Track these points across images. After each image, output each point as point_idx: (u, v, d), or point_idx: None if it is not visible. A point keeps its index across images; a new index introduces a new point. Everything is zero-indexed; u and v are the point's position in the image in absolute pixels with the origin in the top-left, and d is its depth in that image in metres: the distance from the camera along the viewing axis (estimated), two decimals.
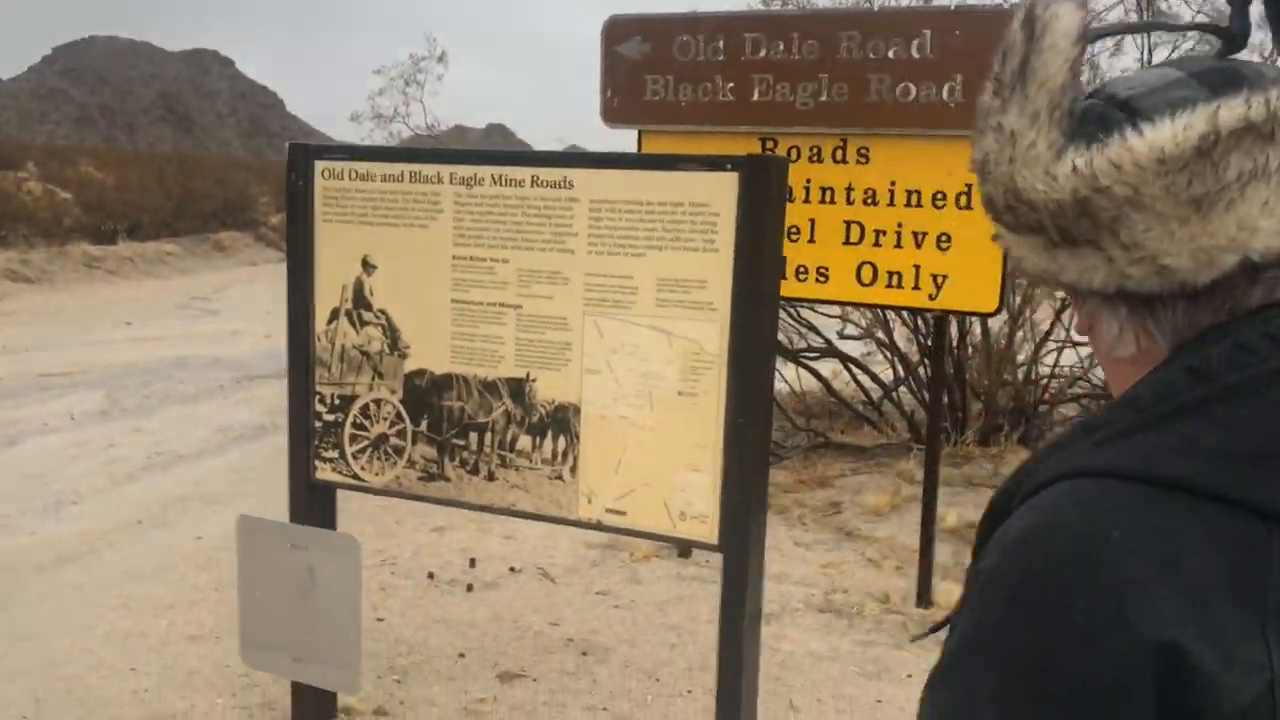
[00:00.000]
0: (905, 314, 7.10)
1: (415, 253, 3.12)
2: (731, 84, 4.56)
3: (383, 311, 3.18)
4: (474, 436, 3.11)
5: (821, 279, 4.53)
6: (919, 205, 4.32)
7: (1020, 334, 7.50)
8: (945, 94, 4.18)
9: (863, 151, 4.41)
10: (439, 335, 3.12)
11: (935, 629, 0.82)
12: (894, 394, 7.87)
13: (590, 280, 2.92)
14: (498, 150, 3.28)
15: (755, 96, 4.53)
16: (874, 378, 7.82)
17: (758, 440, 2.85)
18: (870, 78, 4.31)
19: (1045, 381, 7.79)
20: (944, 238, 4.29)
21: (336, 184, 3.20)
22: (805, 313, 7.73)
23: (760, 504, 2.90)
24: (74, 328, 12.76)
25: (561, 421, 3.00)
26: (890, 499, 6.00)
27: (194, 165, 27.55)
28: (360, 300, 3.20)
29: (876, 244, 4.41)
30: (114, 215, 21.07)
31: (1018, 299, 7.39)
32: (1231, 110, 0.77)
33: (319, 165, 3.22)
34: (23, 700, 3.59)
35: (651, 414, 2.89)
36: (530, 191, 2.96)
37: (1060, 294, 7.42)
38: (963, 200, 4.25)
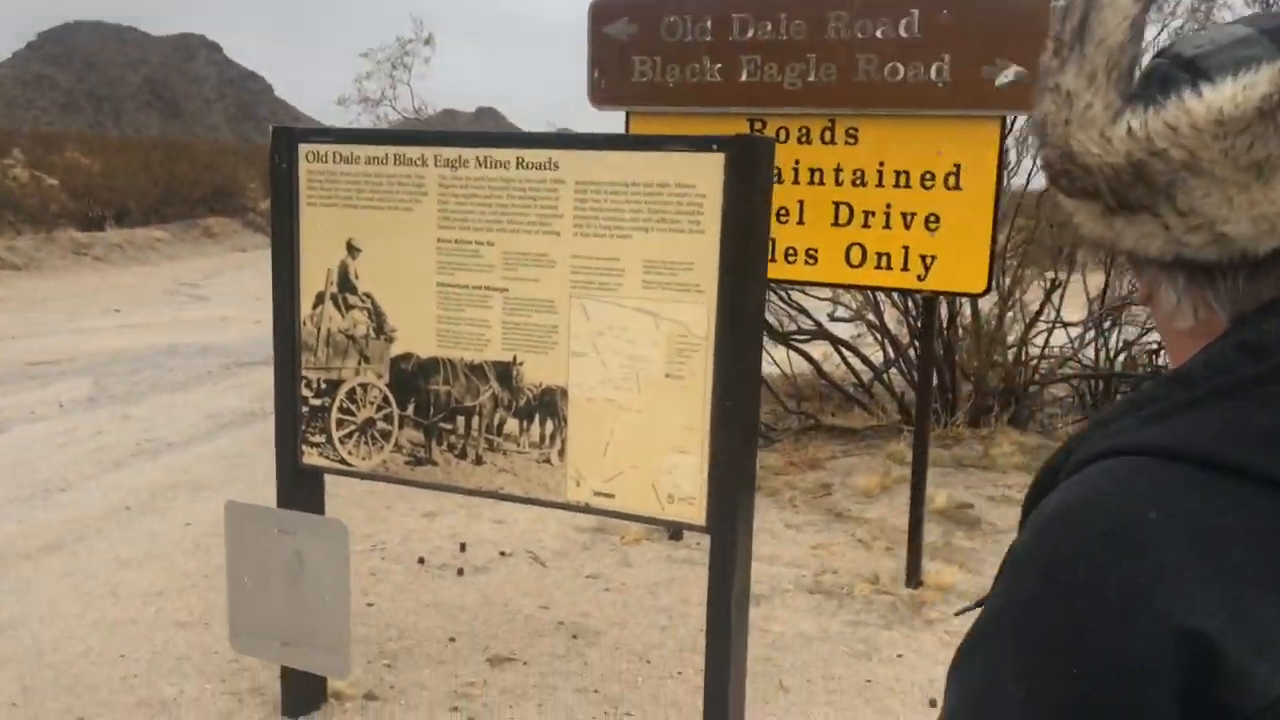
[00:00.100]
0: (895, 296, 7.10)
1: (400, 236, 3.10)
2: (719, 65, 4.53)
3: (368, 295, 3.16)
4: (461, 420, 3.10)
5: (811, 261, 4.52)
6: (907, 186, 4.31)
7: (1010, 315, 7.51)
8: (933, 74, 4.16)
9: (851, 132, 4.39)
10: (425, 319, 3.11)
11: (979, 604, 0.81)
12: (884, 376, 7.87)
13: (576, 262, 2.91)
14: (482, 132, 3.26)
15: (743, 77, 4.50)
16: (864, 360, 7.83)
17: (745, 422, 2.85)
18: (858, 58, 4.29)
19: (1035, 362, 7.81)
20: (933, 218, 4.27)
21: (320, 167, 3.18)
22: (796, 295, 7.73)
23: (748, 485, 2.90)
24: (62, 315, 12.70)
25: (549, 404, 2.99)
26: (880, 480, 6.01)
27: (182, 151, 27.40)
28: (345, 284, 3.18)
29: (865, 225, 4.40)
30: (101, 202, 20.97)
31: (1008, 280, 7.39)
32: None
33: (303, 148, 3.20)
34: (11, 688, 3.58)
35: (639, 396, 2.88)
36: (515, 173, 2.94)
37: (1049, 275, 7.43)
38: (951, 181, 4.23)
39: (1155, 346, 7.76)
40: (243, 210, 25.13)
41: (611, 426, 2.92)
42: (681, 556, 4.96)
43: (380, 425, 3.21)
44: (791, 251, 4.54)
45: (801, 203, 4.49)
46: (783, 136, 4.49)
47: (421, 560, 4.83)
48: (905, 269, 4.37)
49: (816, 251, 4.50)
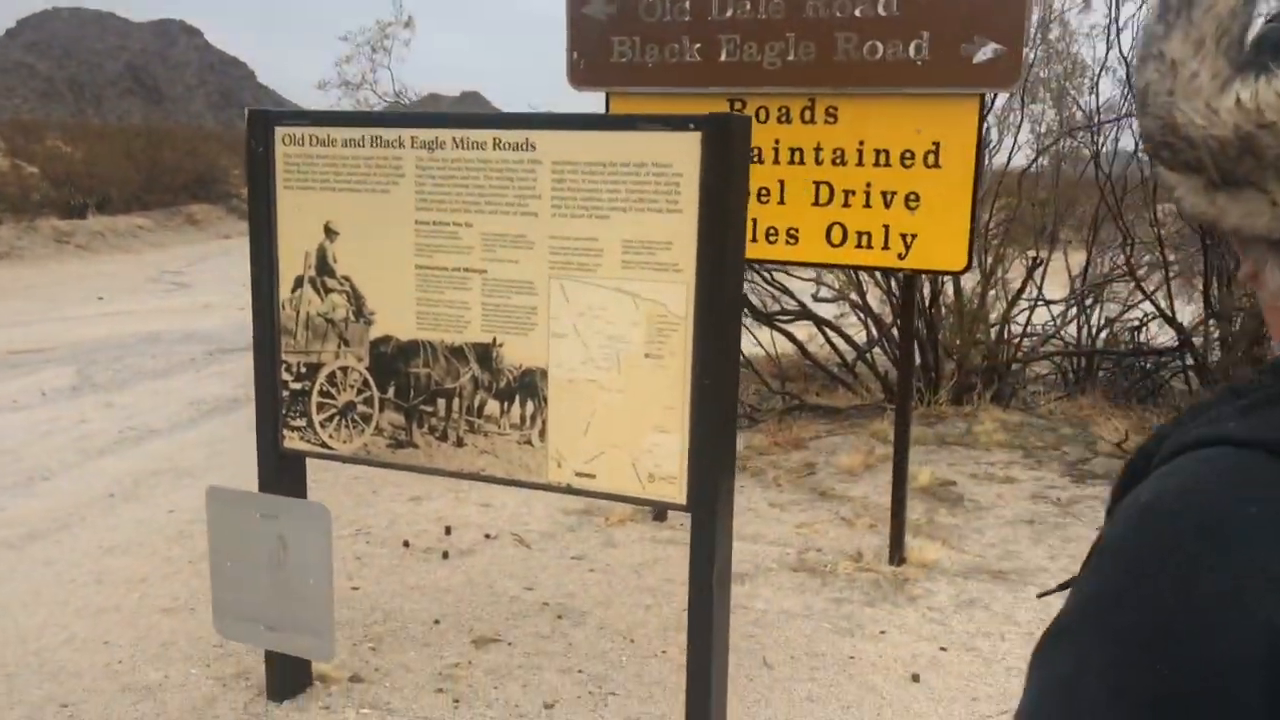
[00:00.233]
0: (878, 275, 7.12)
1: (378, 218, 3.10)
2: (699, 45, 4.52)
3: (346, 278, 3.16)
4: (442, 403, 3.10)
5: (792, 240, 4.52)
6: (887, 165, 4.31)
7: (992, 293, 7.53)
8: (912, 51, 4.16)
9: (831, 111, 4.38)
10: (404, 301, 3.10)
11: (1062, 587, 0.79)
12: (868, 355, 7.90)
13: (555, 243, 2.91)
14: (458, 113, 3.25)
15: (723, 57, 4.49)
16: (848, 340, 7.85)
17: (725, 400, 2.85)
18: (837, 36, 4.28)
19: (1017, 340, 7.84)
20: (912, 197, 4.28)
21: (297, 150, 3.16)
22: (779, 276, 7.74)
23: (728, 464, 2.91)
24: (44, 303, 12.63)
25: (529, 386, 2.99)
26: (864, 459, 6.03)
27: (163, 138, 27.16)
28: (324, 267, 3.18)
29: (846, 204, 4.40)
30: (83, 189, 20.81)
31: (990, 258, 7.42)
32: None
33: (279, 131, 3.19)
34: None
35: (619, 376, 2.89)
36: (492, 154, 2.94)
37: (1031, 253, 7.46)
38: (930, 159, 4.24)
39: (1136, 324, 7.80)
40: (226, 197, 24.99)
41: (592, 407, 2.93)
42: (666, 537, 4.98)
43: (361, 408, 3.21)
44: (772, 231, 4.54)
45: (782, 182, 4.49)
46: (763, 116, 4.48)
47: (407, 544, 4.83)
48: (886, 248, 4.37)
49: (797, 231, 4.50)
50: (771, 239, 4.55)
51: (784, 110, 4.46)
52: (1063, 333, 8.12)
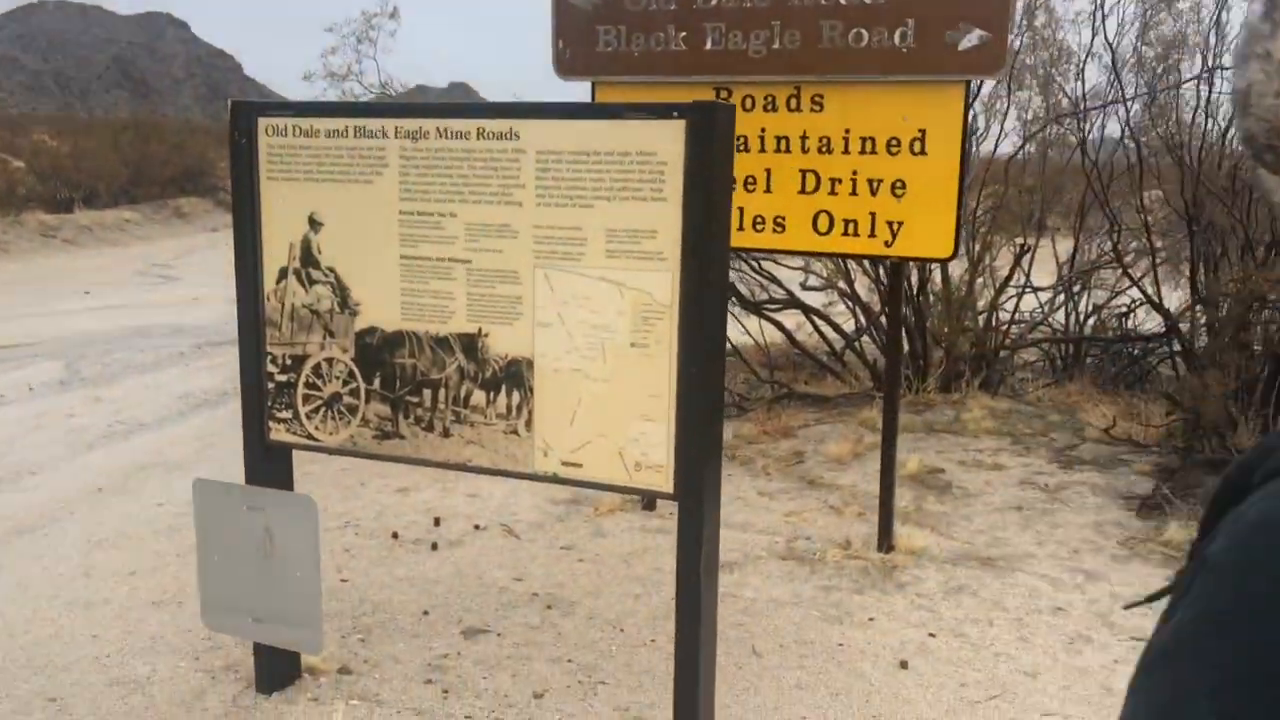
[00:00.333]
0: (866, 263, 7.13)
1: (362, 209, 3.09)
2: (684, 33, 4.51)
3: (331, 269, 3.15)
4: (427, 393, 3.10)
5: (779, 229, 4.53)
6: (873, 152, 4.31)
7: (980, 281, 7.54)
8: (897, 39, 4.16)
9: (817, 99, 4.38)
10: (389, 292, 3.10)
11: (1151, 599, 0.76)
12: (856, 343, 7.91)
13: (539, 233, 2.90)
14: (442, 103, 3.24)
15: (708, 45, 4.48)
16: (836, 328, 7.85)
17: (711, 388, 2.86)
18: (822, 24, 4.28)
19: (1005, 327, 7.86)
20: (899, 184, 4.28)
21: (280, 141, 3.15)
22: (768, 265, 7.74)
23: (715, 451, 2.91)
24: (31, 298, 12.57)
25: (515, 376, 2.99)
26: (853, 447, 6.04)
27: (151, 131, 26.99)
28: (308, 258, 3.17)
29: (832, 192, 4.40)
30: (70, 184, 20.71)
31: (977, 246, 7.43)
32: None
33: (262, 122, 3.18)
34: None
35: (605, 365, 2.89)
36: (476, 144, 2.93)
37: (1019, 240, 7.47)
38: (917, 146, 4.24)
39: (1124, 310, 7.82)
40: (214, 190, 24.87)
41: (578, 396, 2.93)
42: (655, 526, 4.99)
43: (347, 400, 3.20)
44: (759, 220, 4.54)
45: (768, 171, 4.49)
46: (749, 105, 4.48)
47: (395, 535, 4.83)
48: (873, 235, 4.38)
49: (784, 219, 4.50)
50: (758, 227, 4.55)
51: (770, 98, 4.46)
52: (1050, 320, 8.14)
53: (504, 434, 3.03)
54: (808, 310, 7.76)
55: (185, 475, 5.57)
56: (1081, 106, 7.30)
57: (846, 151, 4.35)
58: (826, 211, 4.41)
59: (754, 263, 7.66)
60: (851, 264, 7.40)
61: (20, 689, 3.46)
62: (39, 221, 18.59)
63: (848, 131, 4.34)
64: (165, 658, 3.68)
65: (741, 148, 4.50)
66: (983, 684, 3.60)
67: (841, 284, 7.64)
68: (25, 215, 18.54)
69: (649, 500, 5.13)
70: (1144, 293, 7.21)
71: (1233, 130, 6.41)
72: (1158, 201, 7.39)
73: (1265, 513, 0.67)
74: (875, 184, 4.32)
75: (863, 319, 7.77)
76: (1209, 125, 6.50)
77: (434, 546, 4.71)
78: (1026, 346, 8.13)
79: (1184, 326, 6.81)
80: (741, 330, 7.92)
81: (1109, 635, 3.97)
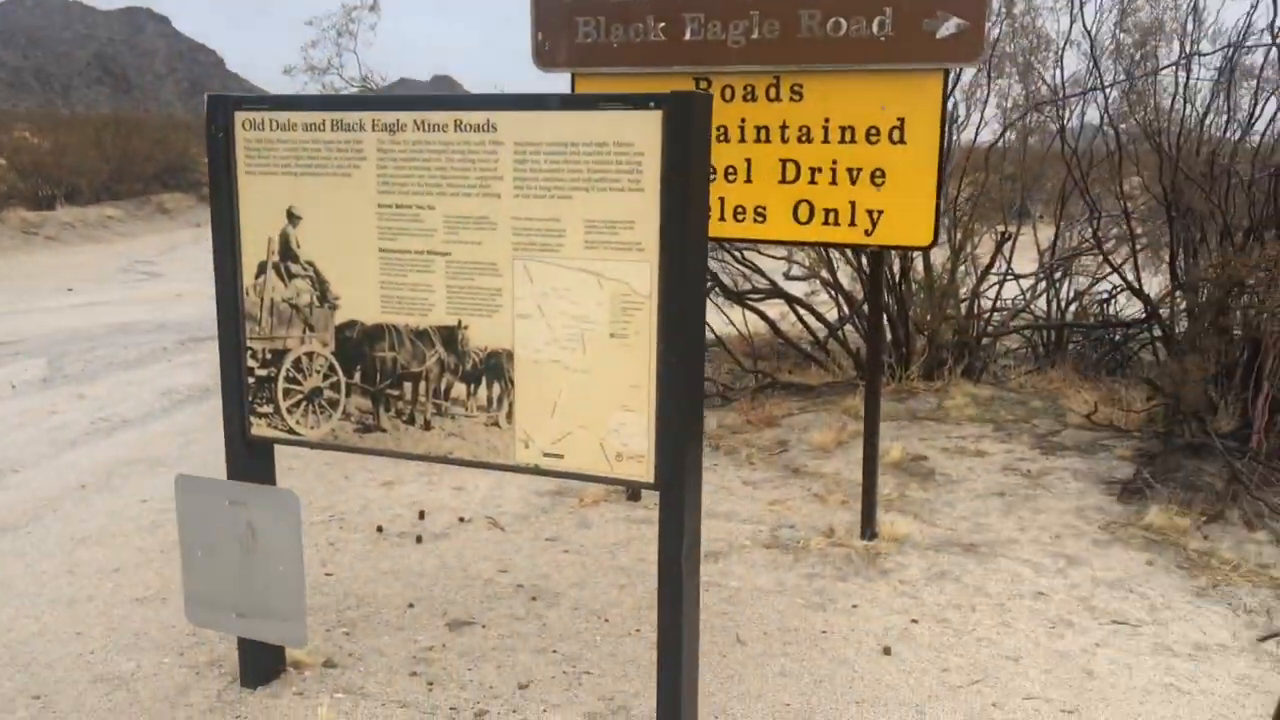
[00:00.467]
0: (848, 252, 7.15)
1: (340, 202, 3.08)
2: (663, 24, 4.52)
3: (310, 263, 3.15)
4: (408, 386, 3.10)
5: (759, 219, 4.54)
6: (853, 141, 4.32)
7: (962, 269, 7.57)
8: (875, 28, 4.17)
9: (796, 89, 4.39)
10: (368, 285, 3.09)
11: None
12: (840, 332, 7.93)
13: (518, 224, 2.90)
14: (419, 95, 3.24)
15: (687, 36, 4.49)
16: (819, 317, 7.87)
17: (691, 378, 2.86)
18: (801, 13, 4.28)
19: (987, 315, 7.88)
20: (878, 173, 4.29)
21: (258, 134, 3.15)
22: (750, 255, 7.75)
23: (696, 441, 2.92)
24: (13, 296, 12.51)
25: (495, 367, 2.99)
26: (836, 435, 6.06)
27: (133, 127, 26.83)
28: (287, 252, 3.16)
29: (812, 182, 4.41)
30: (51, 180, 20.58)
31: (959, 234, 7.45)
32: None
33: (239, 116, 3.17)
34: None
35: (584, 356, 2.89)
36: (454, 136, 2.93)
37: (1000, 228, 7.49)
38: (896, 135, 4.25)
39: (1105, 296, 7.85)
40: (197, 185, 24.73)
41: (558, 387, 2.93)
42: (640, 517, 5.00)
43: (327, 394, 3.20)
44: (740, 210, 4.55)
45: (749, 161, 4.50)
46: (728, 95, 4.49)
47: (380, 529, 4.83)
48: (853, 224, 4.39)
49: (765, 209, 4.51)
50: (739, 217, 4.56)
51: (749, 88, 4.46)
52: (1032, 306, 8.16)
53: (485, 426, 3.03)
54: (791, 300, 7.78)
55: (169, 471, 5.56)
56: (1060, 94, 7.33)
57: (826, 141, 4.36)
58: (807, 201, 4.42)
59: (737, 253, 7.67)
60: (834, 253, 7.41)
61: (3, 687, 3.45)
62: (20, 219, 18.49)
63: (827, 121, 4.35)
64: (149, 654, 3.67)
65: (721, 138, 4.51)
66: (964, 669, 3.62)
67: (824, 273, 7.66)
68: (6, 213, 18.44)
69: (634, 491, 5.14)
70: (1124, 279, 7.24)
71: (1210, 116, 6.45)
72: (1139, 188, 7.42)
73: None
74: (855, 173, 4.33)
75: (846, 308, 7.79)
76: (1187, 111, 6.52)
77: (419, 539, 4.71)
78: (1009, 333, 8.16)
79: (1164, 312, 6.85)
80: (725, 320, 7.94)
81: (1090, 619, 4.00)
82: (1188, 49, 6.53)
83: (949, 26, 4.09)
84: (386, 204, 3.03)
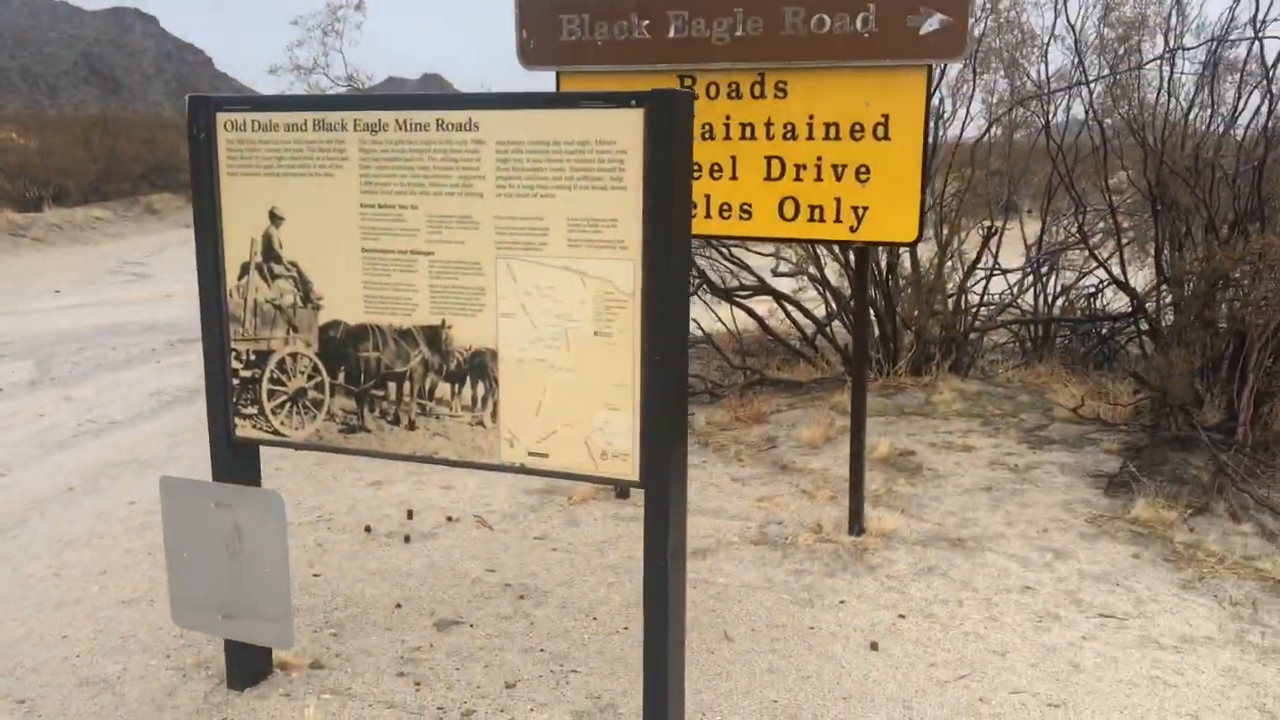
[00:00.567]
0: (835, 248, 7.15)
1: (323, 203, 3.08)
2: (647, 21, 4.52)
3: (293, 264, 3.14)
4: (392, 386, 3.10)
5: (745, 216, 4.54)
6: (837, 138, 4.33)
7: (949, 264, 7.58)
8: (859, 24, 4.17)
9: (780, 86, 4.39)
10: (351, 286, 3.09)
11: None
12: (828, 328, 7.93)
13: (501, 223, 2.90)
14: (401, 94, 3.24)
15: (671, 33, 4.49)
16: (807, 314, 7.88)
17: (675, 376, 2.86)
18: (784, 10, 4.29)
19: (975, 309, 7.90)
20: (863, 170, 4.30)
21: (239, 135, 3.14)
22: (738, 252, 7.76)
23: (680, 438, 2.92)
24: (0, 298, 12.47)
25: (479, 367, 2.99)
26: (824, 431, 6.07)
27: (121, 127, 26.75)
28: (270, 253, 3.16)
29: (798, 178, 4.42)
30: (38, 181, 20.52)
31: (946, 229, 7.46)
32: None
33: (221, 117, 3.16)
34: None
35: (568, 354, 2.89)
36: (436, 135, 2.93)
37: (987, 222, 7.50)
38: (880, 131, 4.26)
39: (1092, 290, 7.87)
40: (186, 185, 24.44)
41: (543, 386, 2.93)
42: (629, 514, 5.00)
43: (312, 394, 3.20)
44: (726, 207, 4.55)
45: (734, 158, 4.50)
46: (713, 92, 4.49)
47: (368, 529, 4.83)
48: (838, 221, 4.40)
49: (751, 206, 4.51)
50: (725, 215, 4.56)
51: (734, 86, 4.47)
52: (1019, 301, 8.18)
53: (470, 425, 3.03)
54: (779, 296, 7.78)
55: (156, 473, 5.55)
56: (1045, 89, 7.34)
57: (811, 137, 4.37)
58: (792, 198, 4.43)
59: (724, 250, 7.68)
60: (821, 249, 7.42)
61: None
62: (8, 220, 18.42)
63: (811, 117, 4.36)
64: (136, 656, 3.67)
65: (707, 135, 4.51)
66: (952, 664, 3.63)
67: (812, 269, 7.67)
68: None
69: (622, 489, 5.14)
70: (1110, 273, 7.26)
71: (1194, 110, 6.47)
72: (1124, 182, 7.44)
73: None
74: (840, 169, 4.34)
75: (833, 304, 7.80)
76: (1171, 105, 6.54)
77: (407, 539, 4.71)
78: (996, 328, 8.18)
79: (1150, 306, 6.87)
80: (714, 317, 7.95)
81: (1077, 613, 4.01)
82: (1171, 43, 6.55)
83: (932, 22, 4.10)
84: (369, 204, 3.03)
